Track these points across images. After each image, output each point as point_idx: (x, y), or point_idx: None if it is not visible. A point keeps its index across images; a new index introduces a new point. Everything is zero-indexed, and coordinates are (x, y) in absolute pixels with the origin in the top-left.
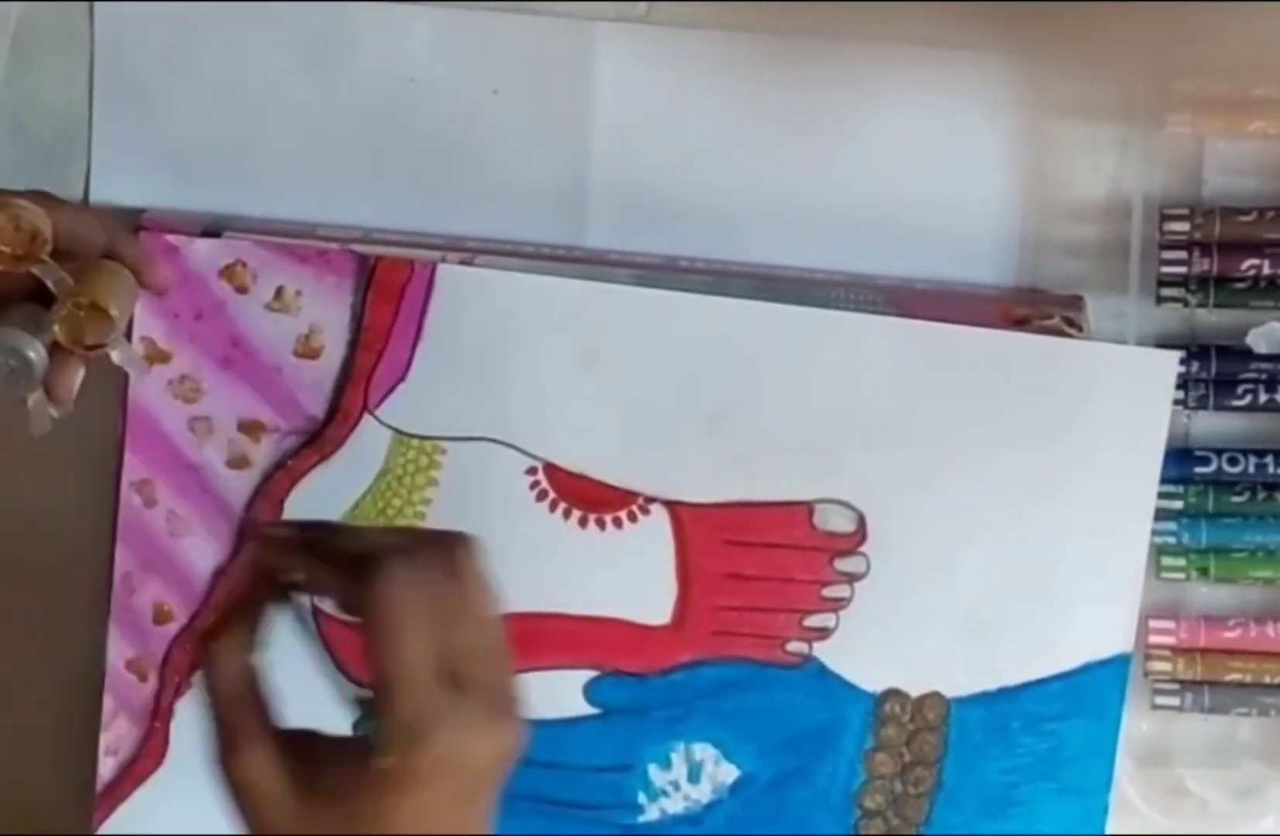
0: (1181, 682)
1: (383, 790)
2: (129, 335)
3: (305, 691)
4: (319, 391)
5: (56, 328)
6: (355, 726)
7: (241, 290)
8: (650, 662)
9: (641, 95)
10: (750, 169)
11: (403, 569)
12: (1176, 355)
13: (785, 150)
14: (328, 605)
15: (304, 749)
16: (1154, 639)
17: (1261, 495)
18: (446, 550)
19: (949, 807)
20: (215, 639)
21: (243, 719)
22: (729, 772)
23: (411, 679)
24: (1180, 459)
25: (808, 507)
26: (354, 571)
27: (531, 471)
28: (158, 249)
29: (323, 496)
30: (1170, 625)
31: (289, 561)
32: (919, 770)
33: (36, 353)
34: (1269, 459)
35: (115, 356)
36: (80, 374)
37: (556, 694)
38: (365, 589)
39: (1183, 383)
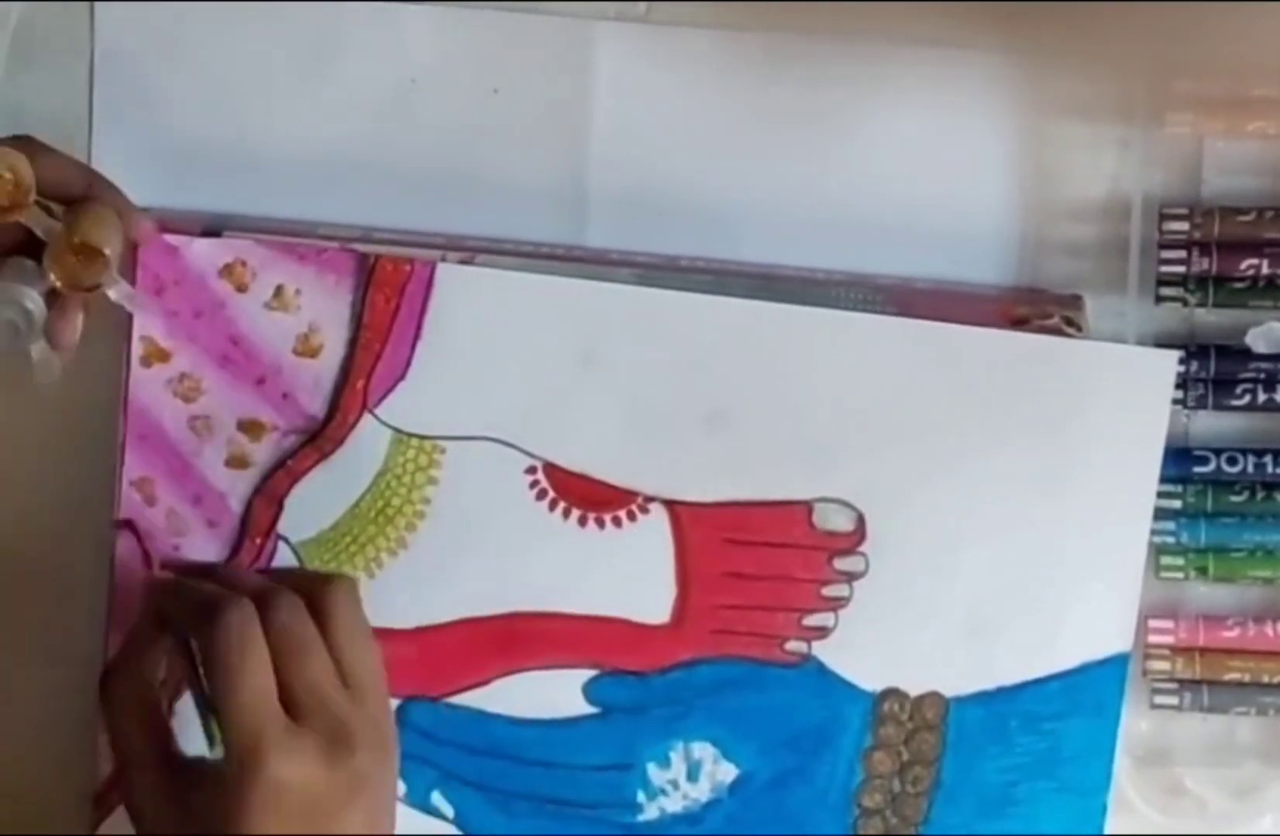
0: (1180, 682)
1: (233, 814)
2: (129, 334)
3: None
4: (318, 390)
5: (52, 274)
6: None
7: (241, 289)
8: (649, 661)
9: (641, 95)
10: (750, 169)
11: (236, 612)
12: (1175, 355)
13: (785, 150)
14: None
15: (191, 776)
16: (1153, 638)
17: (1260, 495)
18: (312, 590)
19: (947, 806)
20: (113, 675)
21: (136, 749)
22: (728, 771)
23: (243, 711)
24: (1179, 458)
25: (807, 507)
26: (204, 616)
27: (531, 471)
28: (157, 249)
29: (322, 496)
30: (1169, 624)
31: (172, 603)
32: (918, 769)
33: (35, 303)
34: (1268, 458)
35: (113, 294)
36: (80, 319)
37: (556, 693)
38: (201, 632)
39: (1182, 382)
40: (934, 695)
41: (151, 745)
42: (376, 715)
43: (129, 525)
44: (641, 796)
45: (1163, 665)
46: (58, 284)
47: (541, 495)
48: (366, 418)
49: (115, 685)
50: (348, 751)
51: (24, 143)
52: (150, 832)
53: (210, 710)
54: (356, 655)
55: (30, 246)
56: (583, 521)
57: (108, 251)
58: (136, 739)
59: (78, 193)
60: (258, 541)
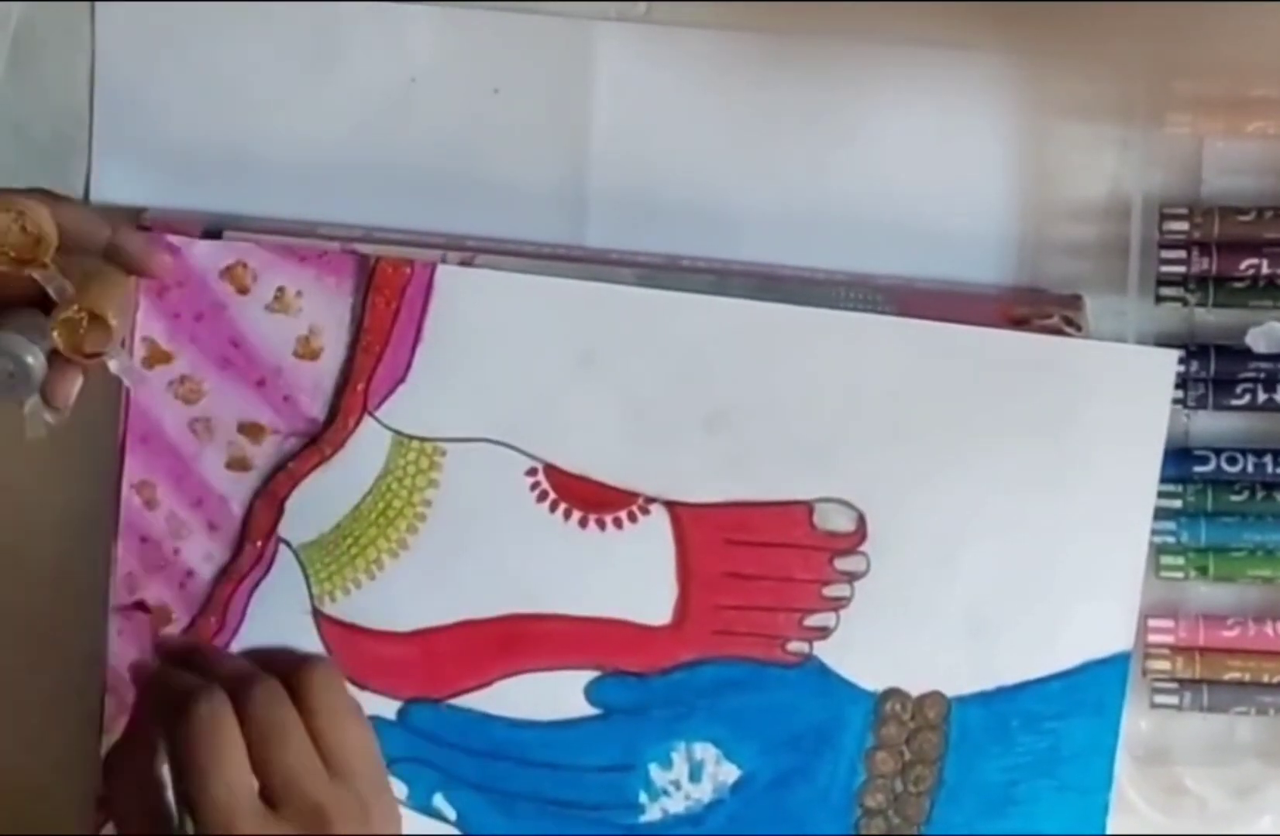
0: (1180, 681)
1: None
2: (130, 336)
3: None
4: (319, 393)
5: (56, 335)
6: None
7: (242, 291)
8: (651, 662)
9: (641, 95)
10: (750, 169)
11: (206, 704)
12: (1175, 354)
13: (785, 150)
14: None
15: None
16: (1153, 638)
17: (1260, 494)
18: (290, 673)
19: (949, 806)
20: (114, 757)
21: (136, 831)
22: (730, 772)
23: (213, 807)
24: (1179, 458)
25: (808, 507)
26: (174, 710)
27: (532, 472)
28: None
29: (323, 498)
30: (1169, 624)
31: (154, 695)
32: (920, 769)
33: (35, 358)
34: (1268, 458)
35: (113, 366)
36: (78, 381)
37: (558, 694)
38: (174, 727)
39: (1182, 382)
40: (935, 695)
41: (150, 827)
42: (364, 795)
43: (141, 606)
44: (644, 797)
45: (1163, 665)
46: (59, 346)
47: (542, 497)
48: (367, 420)
49: (117, 767)
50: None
51: (44, 195)
52: None
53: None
54: (339, 736)
55: (45, 300)
56: (583, 523)
57: (113, 322)
58: (136, 821)
59: (98, 247)
60: (258, 544)
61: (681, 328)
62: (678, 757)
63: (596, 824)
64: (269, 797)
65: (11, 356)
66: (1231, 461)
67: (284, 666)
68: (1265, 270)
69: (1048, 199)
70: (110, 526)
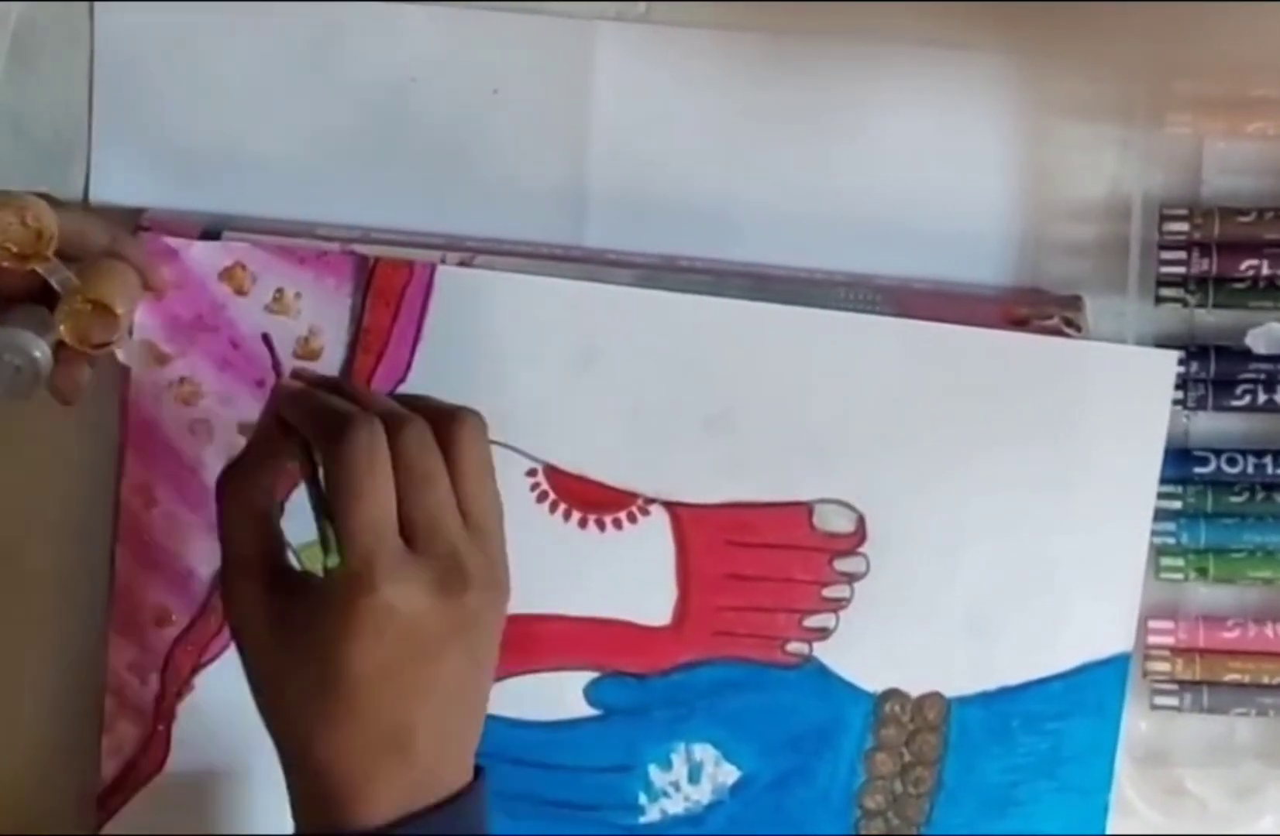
0: (1180, 683)
1: (337, 632)
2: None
3: None
4: None
5: (62, 327)
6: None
7: (241, 292)
8: (651, 663)
9: (641, 95)
10: (750, 169)
11: (366, 431)
12: (1175, 355)
13: (785, 150)
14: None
15: (296, 590)
16: (1153, 639)
17: (1260, 495)
18: (440, 421)
19: (949, 807)
20: (231, 476)
21: (244, 555)
22: (729, 773)
23: (363, 532)
24: (1179, 459)
25: (807, 508)
26: (332, 431)
27: (531, 473)
28: (157, 251)
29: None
30: (1169, 625)
31: (298, 413)
32: (919, 770)
33: (42, 352)
34: (1268, 459)
35: (121, 355)
36: (87, 373)
37: (557, 695)
38: (328, 447)
39: (1182, 383)
40: (935, 695)
41: (260, 552)
42: (492, 556)
43: (266, 338)
44: (643, 798)
45: (1163, 666)
46: (66, 338)
47: (542, 497)
48: None
49: (233, 487)
50: (460, 587)
51: (44, 199)
52: (247, 642)
53: (329, 522)
54: (479, 492)
55: (46, 294)
56: (583, 523)
57: (120, 311)
58: (247, 544)
59: (99, 249)
60: None
61: (681, 328)
62: (677, 758)
63: (595, 824)
64: (408, 537)
65: (18, 351)
66: (1231, 462)
67: (434, 413)
68: (1265, 271)
69: (1048, 199)
70: (110, 527)
